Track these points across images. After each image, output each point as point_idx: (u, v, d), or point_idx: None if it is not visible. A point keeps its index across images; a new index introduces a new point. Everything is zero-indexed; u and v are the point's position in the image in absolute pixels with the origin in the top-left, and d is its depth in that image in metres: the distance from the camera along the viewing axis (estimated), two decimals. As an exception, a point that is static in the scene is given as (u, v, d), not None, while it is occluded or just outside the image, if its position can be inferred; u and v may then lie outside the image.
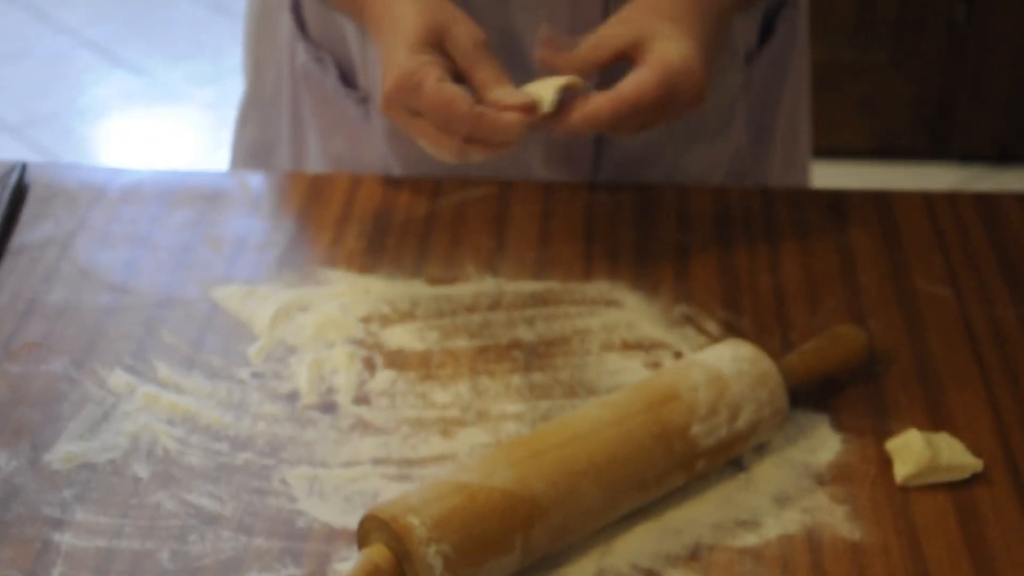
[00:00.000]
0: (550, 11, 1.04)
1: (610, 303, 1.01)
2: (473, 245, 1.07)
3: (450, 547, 0.75)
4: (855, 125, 2.64)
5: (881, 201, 1.10)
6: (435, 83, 0.89)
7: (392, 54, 0.91)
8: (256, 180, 1.15)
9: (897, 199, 1.11)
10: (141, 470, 0.87)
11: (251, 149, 1.26)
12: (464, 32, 0.92)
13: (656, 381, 0.86)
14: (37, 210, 1.10)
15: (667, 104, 0.90)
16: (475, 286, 1.03)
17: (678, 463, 0.84)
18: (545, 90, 0.91)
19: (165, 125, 2.94)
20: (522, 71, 0.95)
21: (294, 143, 1.23)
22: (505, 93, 0.89)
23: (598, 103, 0.89)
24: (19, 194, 1.11)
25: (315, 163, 1.21)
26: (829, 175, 2.51)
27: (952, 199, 1.10)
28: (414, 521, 0.75)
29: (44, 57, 3.18)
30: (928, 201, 1.10)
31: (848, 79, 2.60)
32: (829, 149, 2.57)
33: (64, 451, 0.88)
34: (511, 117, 0.88)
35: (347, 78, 1.16)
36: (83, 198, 1.11)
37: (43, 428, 0.89)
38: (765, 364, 0.87)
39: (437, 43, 0.91)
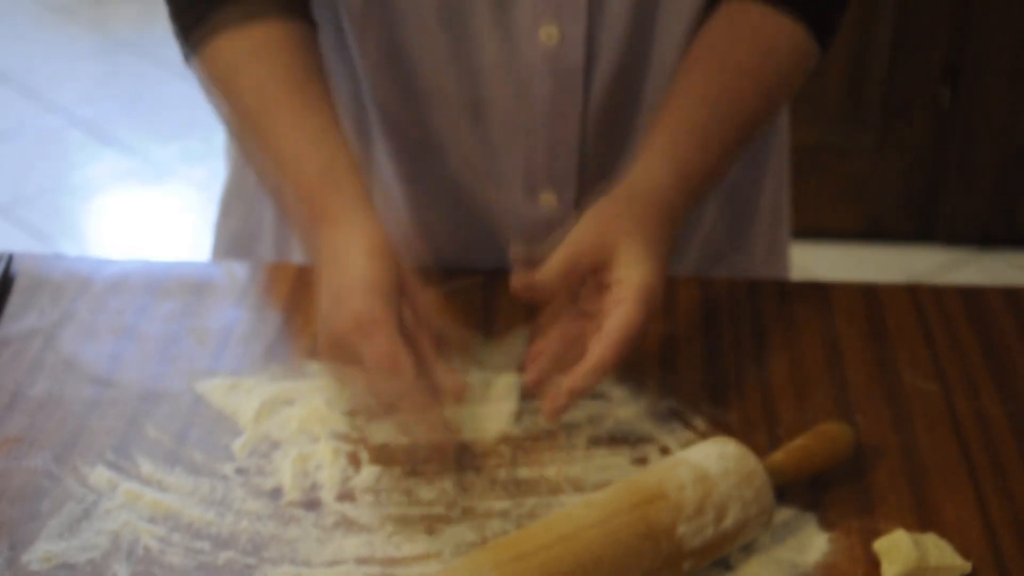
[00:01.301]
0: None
1: (596, 396, 1.00)
2: (459, 337, 1.06)
3: None
4: (841, 207, 2.66)
5: (867, 293, 1.10)
6: (389, 338, 0.87)
7: (354, 290, 0.89)
8: (243, 270, 1.15)
9: (883, 291, 1.11)
10: (121, 571, 0.85)
11: (233, 239, 1.26)
12: (424, 295, 0.92)
13: (642, 480, 0.86)
14: (22, 301, 1.09)
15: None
16: (460, 377, 1.02)
17: (664, 563, 0.83)
18: (500, 395, 0.92)
19: (156, 204, 2.94)
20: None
21: (279, 233, 1.23)
22: (450, 378, 0.90)
23: (600, 355, 0.90)
24: (5, 285, 1.10)
25: (300, 253, 1.21)
26: (815, 257, 2.52)
27: (937, 292, 1.10)
28: None
29: (34, 135, 3.18)
30: (914, 293, 1.10)
31: (835, 161, 2.62)
32: (815, 231, 2.58)
33: (43, 550, 0.87)
34: (439, 417, 0.90)
35: None
36: (69, 289, 1.11)
37: (22, 526, 0.88)
38: (751, 463, 0.86)
39: (396, 294, 0.90)
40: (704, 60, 1.02)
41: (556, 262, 0.92)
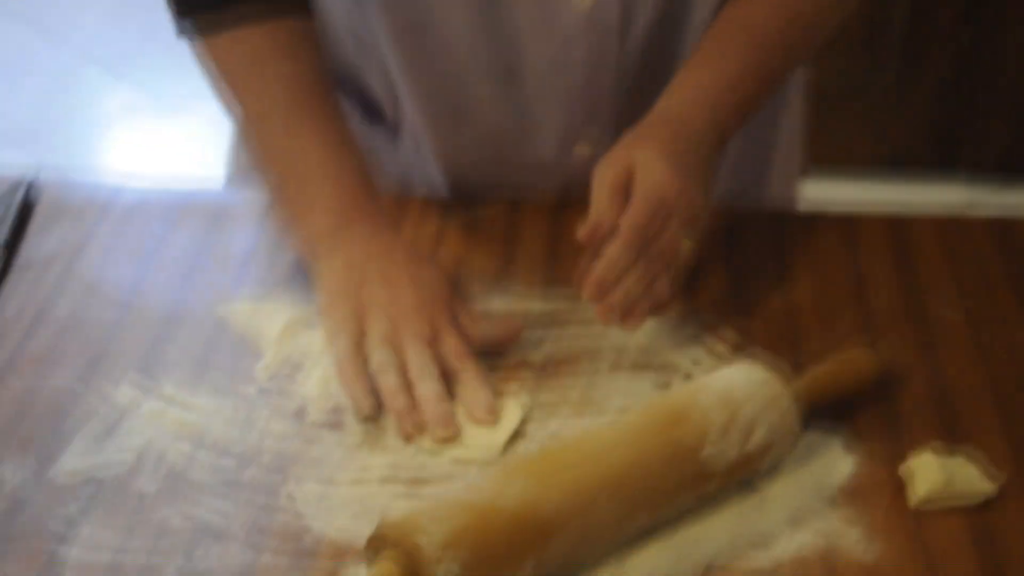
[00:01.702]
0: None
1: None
2: (481, 264, 1.06)
3: (459, 566, 0.74)
4: (863, 141, 2.65)
5: (893, 225, 1.10)
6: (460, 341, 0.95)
7: (438, 282, 0.98)
8: (262, 196, 1.15)
9: (909, 222, 1.10)
10: (147, 485, 0.86)
11: (247, 169, 1.25)
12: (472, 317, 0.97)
13: (667, 402, 0.86)
14: (43, 225, 1.09)
15: (664, 219, 0.92)
16: (483, 305, 1.02)
17: (689, 484, 0.83)
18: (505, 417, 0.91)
19: (170, 138, 2.94)
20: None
21: None
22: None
23: (609, 251, 0.91)
24: (26, 209, 1.10)
25: None
26: (837, 191, 2.50)
27: (964, 222, 1.10)
28: (423, 540, 0.75)
29: (49, 72, 3.18)
30: (940, 224, 1.09)
31: (856, 96, 2.60)
32: (837, 165, 2.57)
33: (70, 465, 0.87)
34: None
35: (369, 114, 1.15)
36: (89, 214, 1.11)
37: (49, 442, 0.89)
38: (776, 386, 0.86)
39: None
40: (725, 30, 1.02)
41: (600, 192, 0.92)
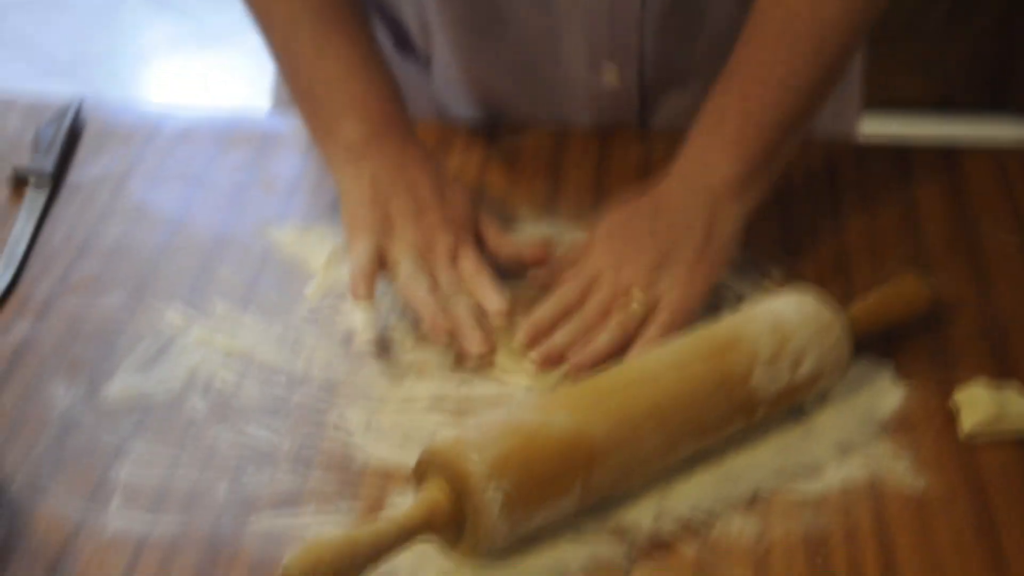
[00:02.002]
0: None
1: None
2: (529, 189, 1.05)
3: (510, 486, 0.75)
4: (914, 79, 2.61)
5: (947, 156, 1.08)
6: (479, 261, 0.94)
7: (464, 200, 0.97)
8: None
9: (963, 153, 1.08)
10: (197, 405, 0.87)
11: (289, 102, 1.24)
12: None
13: (716, 330, 0.85)
14: (92, 147, 1.10)
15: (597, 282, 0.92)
16: (532, 229, 1.02)
17: (738, 409, 0.83)
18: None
19: (213, 68, 2.94)
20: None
21: None
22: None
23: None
24: (75, 132, 1.11)
25: None
26: (887, 130, 2.48)
27: (1019, 154, 1.08)
28: (474, 460, 0.75)
29: (92, 5, 3.18)
30: (995, 156, 1.08)
31: (907, 35, 2.57)
32: (887, 102, 2.55)
33: (120, 388, 0.88)
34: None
35: (401, 43, 1.15)
36: (138, 137, 1.11)
37: (100, 362, 0.89)
38: (828, 313, 0.85)
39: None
40: (760, 35, 0.97)
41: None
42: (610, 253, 0.93)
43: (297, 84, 1.01)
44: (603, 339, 0.88)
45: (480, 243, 0.95)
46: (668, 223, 0.93)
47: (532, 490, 0.76)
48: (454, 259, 0.93)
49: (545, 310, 0.91)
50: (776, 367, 0.83)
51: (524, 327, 0.90)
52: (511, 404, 0.87)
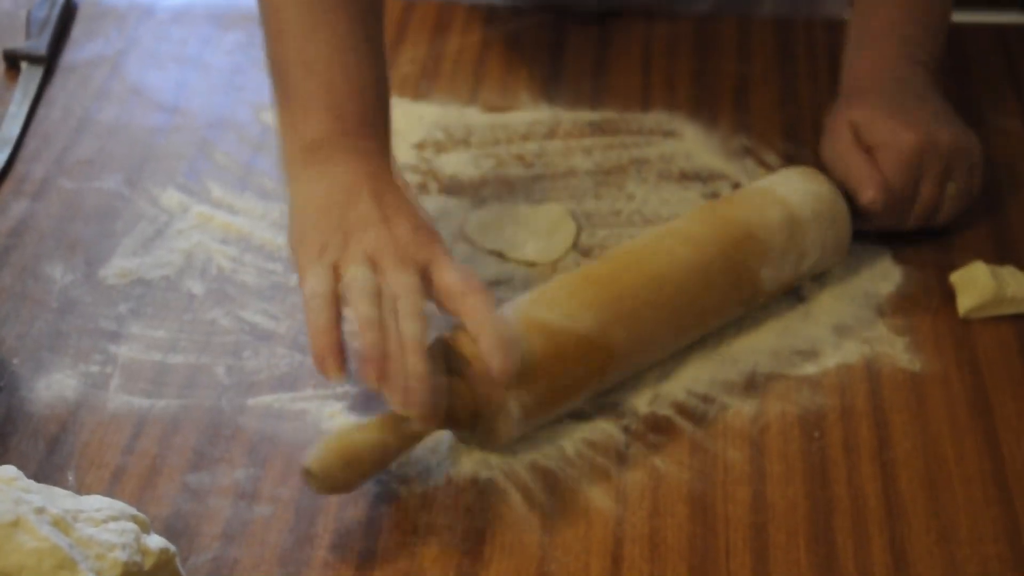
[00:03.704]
0: None
1: (668, 133, 0.99)
2: (528, 73, 1.04)
3: (530, 398, 0.74)
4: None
5: (951, 34, 1.06)
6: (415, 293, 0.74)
7: (416, 213, 0.78)
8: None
9: (966, 32, 1.07)
10: (195, 287, 0.87)
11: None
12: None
13: (732, 215, 0.83)
14: (86, 28, 1.08)
15: (916, 179, 0.87)
16: (531, 114, 1.01)
17: (743, 300, 0.83)
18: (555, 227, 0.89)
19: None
20: None
21: None
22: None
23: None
24: (68, 12, 1.09)
25: None
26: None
27: (1023, 31, 1.07)
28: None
29: None
30: (998, 33, 1.06)
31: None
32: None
33: (118, 267, 0.88)
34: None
35: None
36: (132, 17, 1.10)
37: (97, 243, 0.89)
38: (839, 206, 0.84)
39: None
40: None
41: (849, 161, 0.87)
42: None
43: (276, 61, 0.84)
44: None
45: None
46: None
47: (550, 397, 0.76)
48: (426, 273, 0.75)
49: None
50: (783, 262, 0.82)
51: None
52: (509, 287, 0.87)
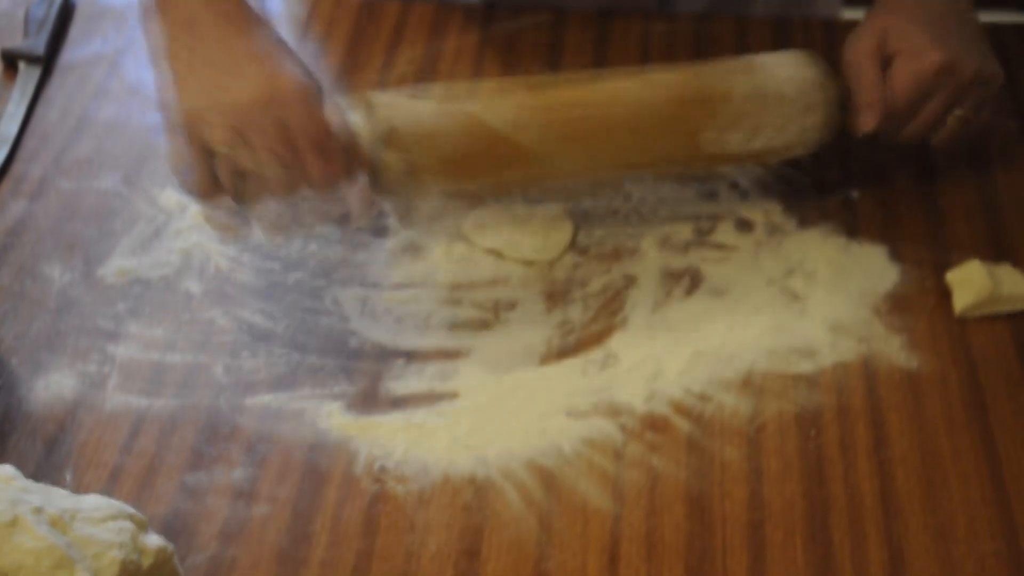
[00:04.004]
0: None
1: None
2: (526, 72, 1.04)
3: (417, 157, 0.80)
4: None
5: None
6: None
7: (314, 88, 0.78)
8: (304, 3, 1.13)
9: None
10: (193, 286, 0.87)
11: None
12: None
13: (703, 72, 0.85)
14: (85, 27, 1.08)
15: (926, 95, 0.87)
16: (528, 113, 1.01)
17: (679, 156, 0.84)
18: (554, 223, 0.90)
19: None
20: None
21: None
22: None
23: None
24: (66, 11, 1.09)
25: None
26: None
27: (1021, 30, 1.07)
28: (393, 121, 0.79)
29: None
30: (997, 34, 1.06)
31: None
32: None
33: (117, 266, 0.88)
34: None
35: None
36: (130, 16, 1.10)
37: (96, 243, 0.89)
38: (817, 96, 0.84)
39: None
40: None
41: (860, 67, 0.87)
42: None
43: None
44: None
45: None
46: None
47: (440, 167, 0.81)
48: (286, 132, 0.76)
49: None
50: (734, 129, 0.83)
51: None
52: (505, 286, 0.87)
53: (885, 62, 0.86)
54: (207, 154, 0.76)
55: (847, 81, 0.86)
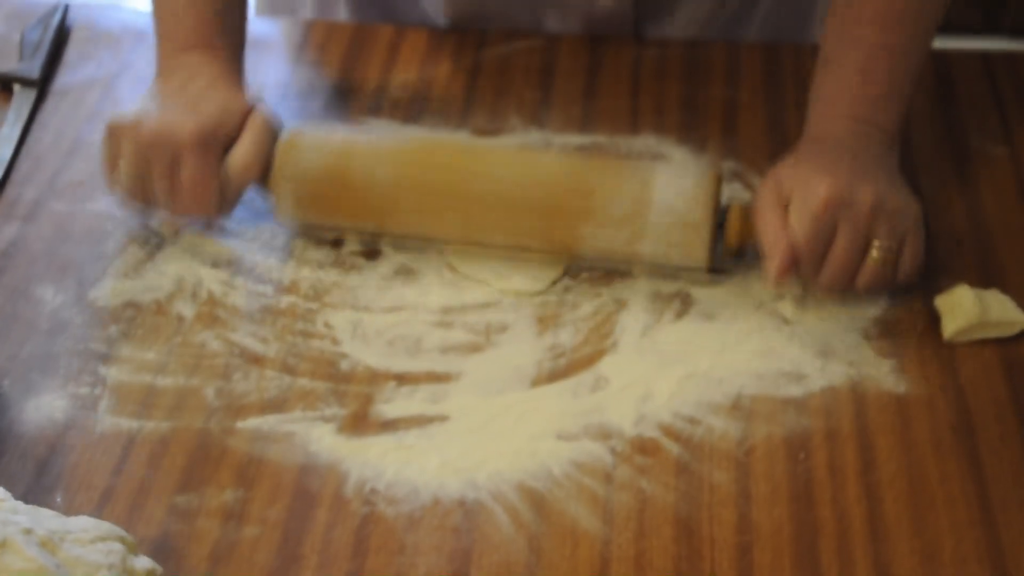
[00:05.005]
0: None
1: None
2: (518, 97, 1.05)
3: (303, 192, 0.88)
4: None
5: (938, 60, 1.08)
6: (211, 167, 0.88)
7: (211, 114, 0.88)
8: (297, 28, 1.14)
9: (953, 58, 1.08)
10: (185, 310, 0.87)
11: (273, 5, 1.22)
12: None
13: (588, 168, 0.87)
14: (80, 52, 1.09)
15: (831, 229, 0.84)
16: (521, 138, 1.01)
17: (559, 242, 0.87)
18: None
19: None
20: None
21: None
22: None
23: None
24: (62, 35, 1.10)
25: (344, 12, 1.18)
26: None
27: (1011, 58, 1.08)
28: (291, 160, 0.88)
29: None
30: (985, 59, 1.07)
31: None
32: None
33: (109, 288, 0.88)
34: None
35: None
36: (125, 40, 1.10)
37: (88, 265, 0.90)
38: (701, 214, 0.84)
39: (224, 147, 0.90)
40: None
41: (764, 221, 0.84)
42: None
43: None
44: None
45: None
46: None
47: (316, 204, 0.89)
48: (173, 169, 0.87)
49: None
50: (615, 231, 0.85)
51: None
52: (496, 310, 0.87)
53: (787, 208, 0.84)
54: (116, 158, 0.88)
55: (756, 231, 0.85)
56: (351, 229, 0.91)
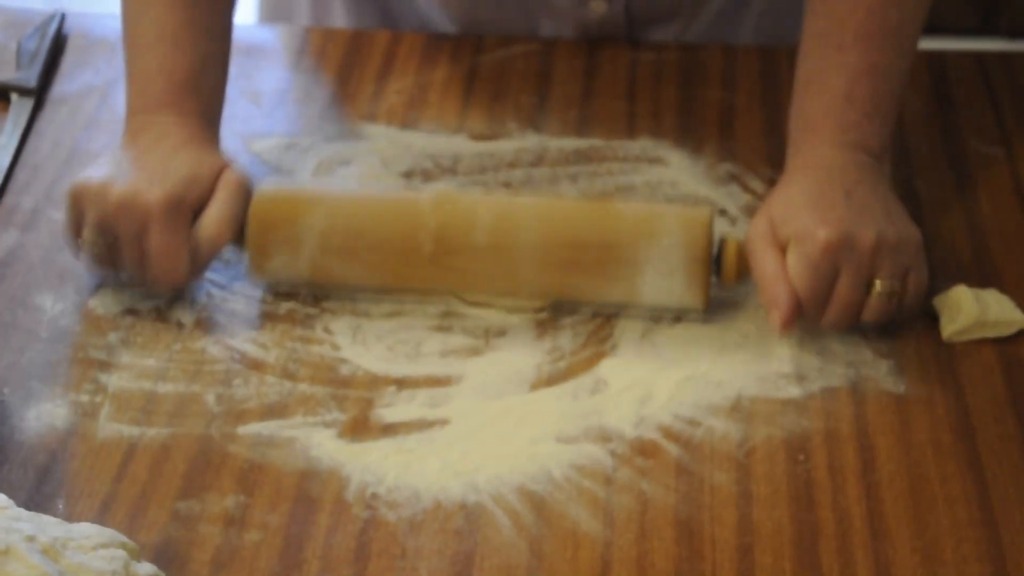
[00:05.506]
0: None
1: (654, 160, 1.00)
2: (515, 102, 1.05)
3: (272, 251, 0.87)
4: None
5: (933, 62, 1.08)
6: (179, 235, 0.85)
7: (177, 179, 0.85)
8: (294, 34, 1.14)
9: (950, 60, 1.08)
10: (184, 316, 0.87)
11: (273, 8, 1.23)
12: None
13: (609, 227, 0.85)
14: (76, 60, 1.09)
15: (832, 273, 0.83)
16: (518, 142, 1.02)
17: (549, 292, 0.87)
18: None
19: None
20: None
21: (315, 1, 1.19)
22: None
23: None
24: (58, 44, 1.10)
25: (340, 19, 1.18)
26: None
27: (1006, 59, 1.08)
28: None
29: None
30: (981, 61, 1.08)
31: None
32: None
33: (108, 296, 0.88)
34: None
35: None
36: (121, 49, 1.10)
37: (87, 273, 0.90)
38: (695, 268, 0.84)
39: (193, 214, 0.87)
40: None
41: (761, 264, 0.83)
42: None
43: (124, 47, 0.95)
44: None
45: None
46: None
47: (280, 262, 0.87)
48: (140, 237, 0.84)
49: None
50: (611, 283, 0.85)
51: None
52: (496, 315, 0.87)
53: (783, 250, 0.83)
54: (80, 224, 0.86)
55: (752, 269, 0.84)
56: (328, 287, 0.88)
